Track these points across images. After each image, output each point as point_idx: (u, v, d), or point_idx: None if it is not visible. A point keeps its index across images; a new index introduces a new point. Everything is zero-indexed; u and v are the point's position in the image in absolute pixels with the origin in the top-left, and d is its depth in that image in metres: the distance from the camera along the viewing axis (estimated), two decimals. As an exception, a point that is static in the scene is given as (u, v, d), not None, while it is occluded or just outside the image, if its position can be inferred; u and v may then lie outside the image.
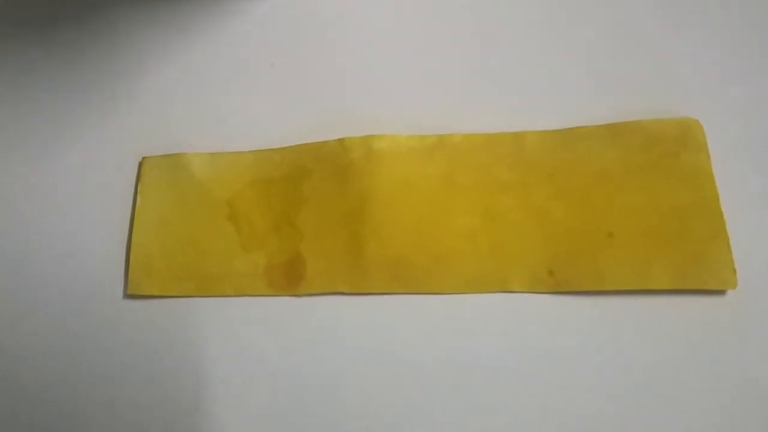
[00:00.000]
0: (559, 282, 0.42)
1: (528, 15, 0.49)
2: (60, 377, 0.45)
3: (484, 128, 0.46)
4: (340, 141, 0.46)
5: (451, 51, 0.49)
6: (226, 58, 0.51)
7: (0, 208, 0.49)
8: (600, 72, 0.47)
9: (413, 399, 0.42)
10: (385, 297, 0.44)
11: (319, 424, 0.42)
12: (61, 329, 0.46)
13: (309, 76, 0.49)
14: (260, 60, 0.50)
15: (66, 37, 0.53)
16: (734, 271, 0.41)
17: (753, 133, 0.44)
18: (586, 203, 0.43)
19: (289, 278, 0.44)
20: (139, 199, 0.47)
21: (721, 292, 0.41)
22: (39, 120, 0.51)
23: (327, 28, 0.51)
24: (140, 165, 0.48)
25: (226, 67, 0.51)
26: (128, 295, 0.46)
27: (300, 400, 0.43)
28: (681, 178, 0.43)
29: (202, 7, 0.52)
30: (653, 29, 0.47)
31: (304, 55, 0.50)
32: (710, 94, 0.45)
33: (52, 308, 0.46)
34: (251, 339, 0.44)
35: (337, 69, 0.49)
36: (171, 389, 0.44)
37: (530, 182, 0.44)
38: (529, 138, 0.45)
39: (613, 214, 0.43)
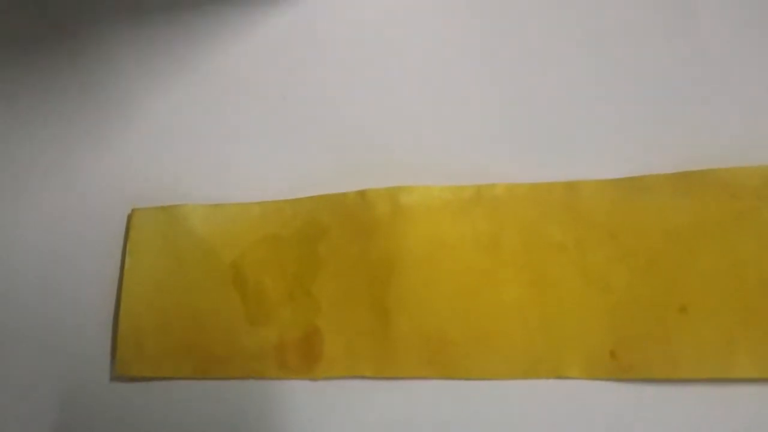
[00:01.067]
0: (624, 367, 0.37)
1: (583, 44, 0.42)
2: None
3: (531, 177, 0.40)
4: (362, 193, 0.41)
5: (491, 86, 0.42)
6: (230, 91, 0.45)
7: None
8: (667, 112, 0.40)
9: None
10: (417, 382, 0.38)
11: None
12: (40, 417, 0.41)
13: (326, 113, 0.43)
14: (270, 92, 0.44)
15: (52, 67, 0.47)
16: (833, 358, 0.34)
17: None
18: (653, 269, 0.38)
19: (304, 358, 0.39)
20: (128, 259, 0.42)
21: (817, 382, 0.34)
22: (21, 158, 0.46)
23: (347, 57, 0.44)
24: (129, 218, 0.43)
25: (230, 102, 0.45)
26: (116, 377, 0.40)
27: None
28: (765, 238, 0.37)
29: (205, 30, 0.46)
30: (728, 62, 0.41)
31: (321, 87, 0.44)
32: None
33: (30, 393, 0.41)
34: (259, 428, 0.39)
35: (358, 105, 0.43)
36: None
37: (587, 243, 0.39)
38: (584, 189, 0.40)
39: (686, 282, 0.37)
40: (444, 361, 0.38)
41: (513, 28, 0.43)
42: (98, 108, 0.46)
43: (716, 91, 0.40)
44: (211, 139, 0.44)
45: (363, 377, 0.39)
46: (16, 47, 0.48)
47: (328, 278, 0.40)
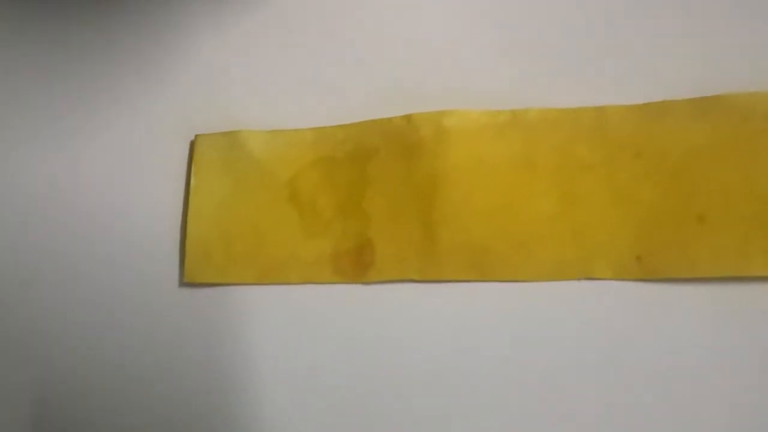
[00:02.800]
0: (648, 268, 0.40)
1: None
2: (114, 368, 0.43)
3: (562, 102, 0.43)
4: (408, 117, 0.43)
5: (525, 18, 0.45)
6: (284, 28, 0.47)
7: (45, 193, 0.46)
8: (689, 41, 0.43)
9: (488, 391, 0.40)
10: (460, 285, 0.42)
11: (386, 417, 0.40)
12: (114, 319, 0.44)
13: (373, 47, 0.46)
14: (321, 28, 0.47)
15: (115, 8, 0.50)
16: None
17: None
18: (674, 184, 0.41)
19: (357, 265, 0.42)
20: (193, 180, 0.45)
21: (824, 279, 0.37)
22: (85, 94, 0.48)
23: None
24: (193, 143, 0.46)
25: (286, 36, 0.47)
26: (184, 283, 0.44)
27: (367, 392, 0.41)
28: (776, 156, 0.39)
29: None
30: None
31: (369, 23, 0.47)
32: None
33: (105, 297, 0.44)
34: (315, 329, 0.42)
35: (403, 38, 0.46)
36: (229, 379, 0.42)
37: (613, 161, 0.42)
38: (611, 113, 0.42)
39: (704, 196, 0.40)
40: (484, 265, 0.41)
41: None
42: (162, 44, 0.48)
43: (736, 21, 0.43)
44: (267, 71, 0.47)
45: (410, 281, 0.42)
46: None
47: (377, 195, 0.43)
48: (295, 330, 0.42)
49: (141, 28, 0.49)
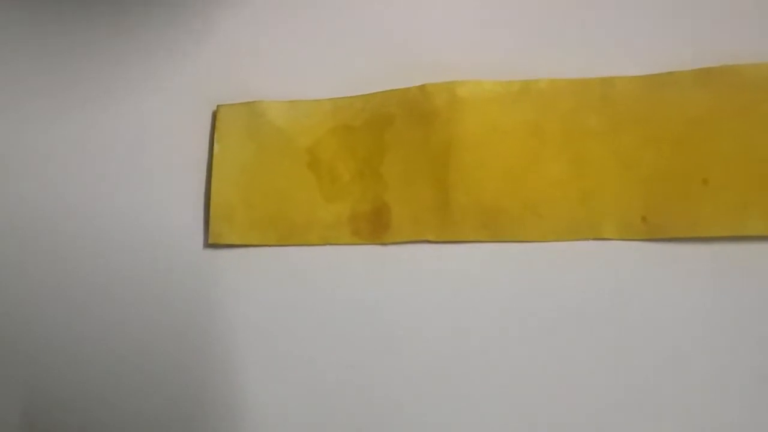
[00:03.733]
0: (653, 228, 0.42)
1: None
2: (141, 327, 0.45)
3: (571, 73, 0.45)
4: (422, 88, 0.45)
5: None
6: (302, 2, 0.49)
7: (72, 158, 0.48)
8: (692, 13, 0.45)
9: (503, 348, 0.42)
10: (474, 245, 0.44)
11: (405, 371, 0.42)
12: (140, 279, 0.46)
13: (389, 19, 0.48)
14: (339, 3, 0.49)
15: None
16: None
17: None
18: (678, 150, 0.42)
19: (374, 227, 0.44)
20: (216, 146, 0.46)
21: (821, 239, 0.39)
22: (110, 64, 0.50)
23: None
24: (215, 113, 0.47)
25: (303, 10, 0.49)
26: (209, 245, 0.45)
27: (385, 348, 0.43)
28: (775, 122, 0.41)
29: None
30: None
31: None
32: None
33: (131, 259, 0.46)
34: (336, 287, 0.44)
35: (417, 11, 0.48)
36: (254, 338, 0.44)
37: (620, 129, 0.43)
38: (617, 83, 0.44)
39: (706, 160, 0.42)
40: (497, 226, 0.43)
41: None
42: (185, 19, 0.50)
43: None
44: (286, 44, 0.48)
45: (426, 241, 0.44)
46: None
47: (394, 161, 0.45)
48: (316, 289, 0.44)
49: (166, 9, 0.50)
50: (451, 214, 0.43)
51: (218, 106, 0.47)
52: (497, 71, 0.45)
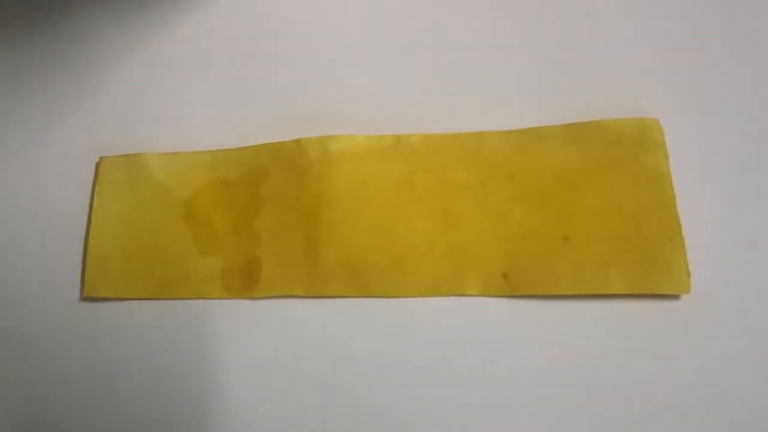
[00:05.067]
0: (514, 285, 0.42)
1: (487, 15, 0.48)
2: (14, 379, 0.45)
3: (443, 128, 0.46)
4: (297, 142, 0.46)
5: (410, 50, 0.48)
6: (187, 54, 0.50)
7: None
8: (560, 71, 0.46)
9: (366, 400, 0.42)
10: (341, 300, 0.44)
11: (274, 426, 0.42)
12: (15, 332, 0.46)
13: (270, 74, 0.49)
14: (222, 56, 0.50)
15: (23, 32, 0.53)
16: (688, 275, 0.41)
17: (712, 133, 0.44)
18: (544, 205, 0.43)
19: (245, 282, 0.45)
20: (96, 199, 0.47)
21: (675, 297, 0.41)
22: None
23: (288, 26, 0.50)
24: (97, 165, 0.48)
25: (187, 63, 0.50)
26: (84, 298, 0.46)
27: (256, 399, 0.43)
28: (639, 179, 0.43)
29: (167, 3, 0.51)
30: (613, 29, 0.47)
31: (265, 51, 0.50)
32: (669, 94, 0.45)
33: (5, 310, 0.46)
34: (209, 341, 0.44)
35: (298, 67, 0.49)
36: (127, 391, 0.44)
37: (489, 183, 0.44)
38: (488, 138, 0.45)
39: (570, 216, 0.43)
40: (364, 282, 0.44)
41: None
42: (71, 72, 0.51)
43: (603, 53, 0.46)
44: (170, 96, 0.49)
45: (295, 296, 0.44)
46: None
47: (268, 215, 0.45)
48: (189, 342, 0.45)
49: (48, 56, 0.51)
50: (319, 270, 0.44)
51: (101, 158, 0.47)
52: (374, 125, 0.46)
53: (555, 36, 0.47)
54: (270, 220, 0.45)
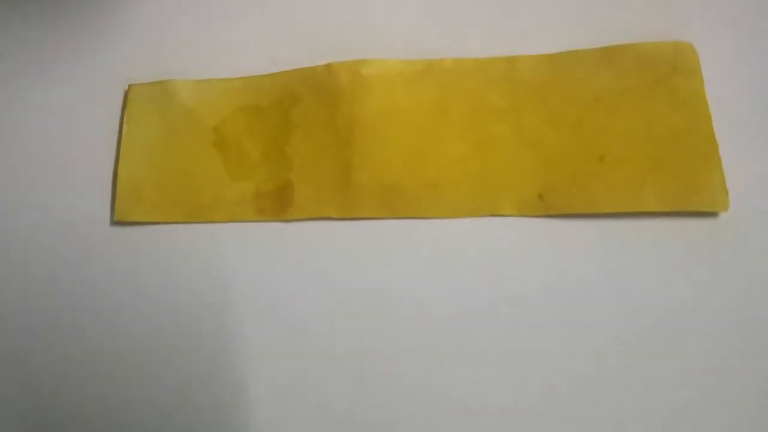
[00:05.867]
0: (549, 205, 0.42)
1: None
2: (46, 303, 0.45)
3: (476, 53, 0.45)
4: (328, 66, 0.45)
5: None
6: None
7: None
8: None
9: (401, 325, 0.42)
10: (375, 222, 0.44)
11: (307, 351, 0.42)
12: (46, 255, 0.46)
13: (300, 1, 0.49)
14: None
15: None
16: (726, 193, 0.40)
17: (746, 57, 0.44)
18: (578, 127, 0.43)
19: (277, 204, 0.44)
20: (125, 126, 0.46)
21: (713, 215, 0.41)
22: (22, 46, 0.50)
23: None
24: (126, 92, 0.48)
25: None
26: (115, 222, 0.45)
27: (289, 326, 0.43)
28: (674, 101, 0.43)
29: None
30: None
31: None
32: (704, 18, 0.45)
33: (38, 234, 0.46)
34: (240, 265, 0.44)
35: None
36: (159, 316, 0.44)
37: (522, 107, 0.44)
38: (521, 62, 0.45)
39: (605, 137, 0.43)
40: (397, 203, 0.43)
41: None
42: (98, 3, 0.50)
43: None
44: (198, 25, 0.49)
45: (328, 219, 0.44)
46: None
47: (300, 139, 0.45)
48: (221, 266, 0.44)
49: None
50: (353, 192, 0.44)
51: (129, 85, 0.47)
52: (403, 50, 0.46)
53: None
54: (302, 145, 0.45)
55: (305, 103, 0.45)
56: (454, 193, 0.43)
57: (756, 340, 0.39)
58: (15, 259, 0.46)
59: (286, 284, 0.43)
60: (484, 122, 0.44)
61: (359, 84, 0.45)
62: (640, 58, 0.44)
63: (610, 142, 0.42)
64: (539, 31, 0.46)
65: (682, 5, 0.45)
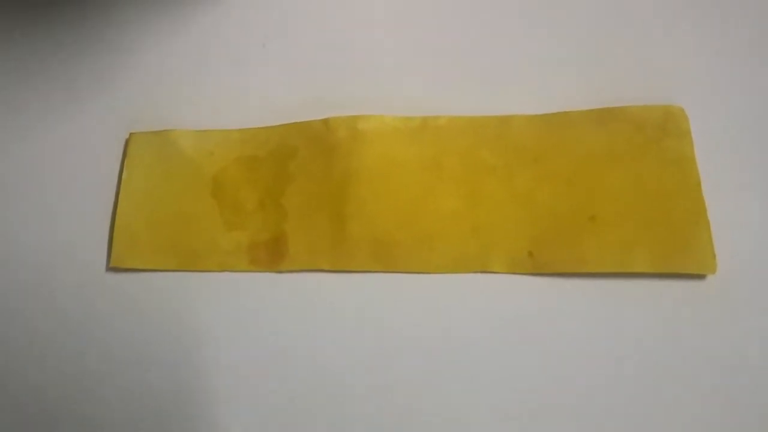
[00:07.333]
0: (539, 263, 0.43)
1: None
2: (41, 348, 0.45)
3: (470, 111, 0.46)
4: (326, 121, 0.46)
5: (438, 33, 0.49)
6: (218, 37, 0.51)
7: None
8: (587, 57, 0.47)
9: (391, 376, 0.42)
10: (367, 275, 0.44)
11: (296, 398, 0.42)
12: (42, 301, 0.46)
13: (299, 57, 0.50)
14: (252, 40, 0.51)
15: (56, 12, 0.53)
16: (714, 255, 0.41)
17: (735, 120, 0.44)
18: (569, 187, 0.44)
19: (271, 255, 0.45)
20: (125, 173, 0.47)
21: (700, 277, 0.41)
22: (27, 93, 0.51)
23: (318, 10, 0.51)
24: (127, 141, 0.48)
25: (218, 46, 0.51)
26: (111, 268, 0.46)
27: (279, 375, 0.43)
28: (664, 163, 0.43)
29: None
30: (641, 16, 0.48)
31: (295, 36, 0.50)
32: (694, 82, 0.45)
33: (33, 277, 0.47)
34: (233, 314, 0.44)
35: (326, 49, 0.50)
36: (152, 362, 0.44)
37: (515, 166, 0.45)
38: (514, 122, 0.46)
39: (596, 197, 0.43)
40: (390, 257, 0.44)
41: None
42: (104, 51, 0.52)
43: (630, 40, 0.47)
44: (201, 76, 0.50)
45: (321, 271, 0.44)
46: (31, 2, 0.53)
47: (296, 191, 0.46)
48: (214, 315, 0.45)
49: (83, 35, 0.53)
50: (346, 245, 0.44)
51: (131, 133, 0.48)
52: (401, 107, 0.47)
53: (582, 22, 0.48)
54: (297, 196, 0.46)
55: (302, 155, 0.46)
56: (445, 248, 0.43)
57: (740, 401, 0.39)
58: (9, 300, 0.46)
59: (278, 335, 0.43)
60: (477, 179, 0.44)
61: (356, 139, 0.46)
62: (631, 120, 0.44)
63: (601, 202, 0.43)
64: (533, 91, 0.46)
65: (673, 68, 0.46)
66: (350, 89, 0.48)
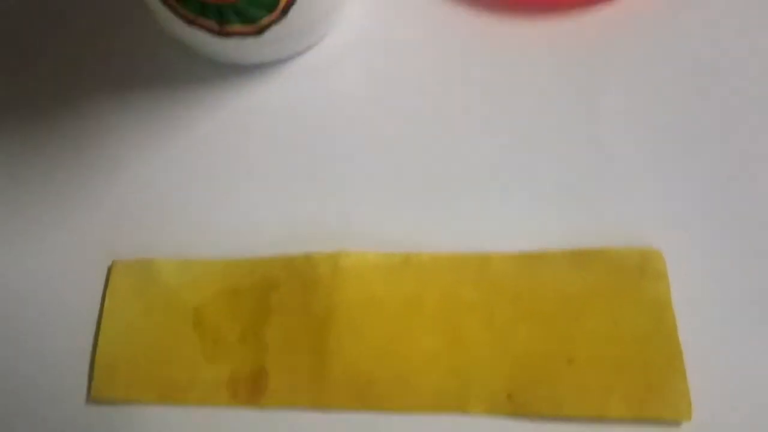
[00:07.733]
0: (518, 406, 0.43)
1: (497, 139, 0.50)
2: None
3: (452, 247, 0.47)
4: (308, 256, 0.47)
5: (422, 171, 0.50)
6: (202, 163, 0.52)
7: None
8: (567, 197, 0.48)
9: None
10: (346, 414, 0.44)
11: None
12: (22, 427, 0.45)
13: (284, 187, 0.51)
14: (237, 166, 0.52)
15: (36, 135, 0.54)
16: (689, 403, 0.41)
17: (712, 264, 0.45)
18: (548, 328, 0.44)
19: (251, 390, 0.45)
20: (107, 302, 0.47)
21: (676, 423, 0.42)
22: (4, 218, 0.51)
23: (303, 140, 0.52)
24: (110, 269, 0.49)
25: (201, 172, 0.52)
26: (91, 400, 0.46)
27: None
28: (641, 306, 0.44)
29: (181, 108, 0.54)
30: (620, 159, 0.49)
31: (280, 164, 0.51)
32: (673, 226, 0.46)
33: (11, 405, 0.46)
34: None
35: (311, 181, 0.51)
36: None
37: (495, 304, 0.45)
38: (494, 260, 0.46)
39: (573, 340, 0.44)
40: (369, 396, 0.44)
41: (436, 114, 0.52)
42: (86, 176, 0.52)
43: (610, 184, 0.49)
44: (184, 203, 0.51)
45: (301, 408, 0.45)
46: (13, 113, 0.55)
47: (277, 325, 0.46)
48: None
49: (63, 159, 0.53)
50: (327, 383, 0.44)
51: (114, 261, 0.48)
52: (385, 242, 0.48)
53: (562, 162, 0.49)
54: (278, 331, 0.46)
55: (283, 290, 0.47)
56: (424, 387, 0.44)
57: None
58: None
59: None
60: (457, 317, 0.45)
61: (337, 275, 0.46)
62: (608, 262, 0.45)
63: (579, 344, 0.43)
64: (512, 231, 0.47)
65: (651, 212, 0.47)
66: (332, 223, 0.49)
